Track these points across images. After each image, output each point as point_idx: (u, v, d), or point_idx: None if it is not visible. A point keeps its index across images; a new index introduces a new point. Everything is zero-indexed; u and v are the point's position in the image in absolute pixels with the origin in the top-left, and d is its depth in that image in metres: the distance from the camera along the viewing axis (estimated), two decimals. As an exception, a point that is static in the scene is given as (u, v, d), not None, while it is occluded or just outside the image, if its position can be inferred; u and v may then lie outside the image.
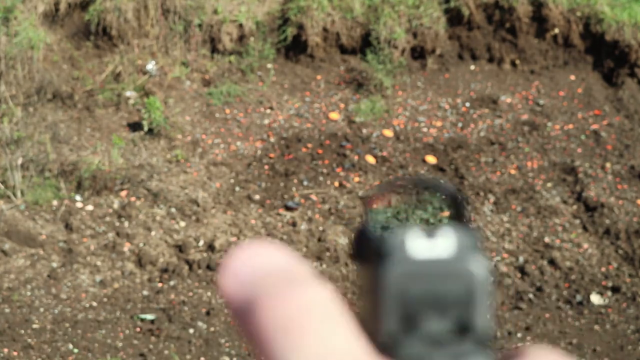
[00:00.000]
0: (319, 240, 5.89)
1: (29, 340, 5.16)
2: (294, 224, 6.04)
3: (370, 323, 0.34)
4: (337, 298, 0.35)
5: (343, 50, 7.43)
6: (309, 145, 6.72)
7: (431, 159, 6.60)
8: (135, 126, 6.82)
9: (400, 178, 0.38)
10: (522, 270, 5.82)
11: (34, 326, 5.28)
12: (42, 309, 5.44)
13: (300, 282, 0.34)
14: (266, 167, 6.54)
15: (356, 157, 6.58)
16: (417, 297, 0.34)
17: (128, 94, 7.04)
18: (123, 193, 6.28)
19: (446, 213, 0.37)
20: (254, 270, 0.34)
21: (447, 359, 0.33)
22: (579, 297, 5.62)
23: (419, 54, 7.42)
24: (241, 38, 7.42)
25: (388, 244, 0.35)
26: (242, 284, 0.34)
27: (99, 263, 5.79)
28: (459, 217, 0.37)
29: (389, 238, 0.35)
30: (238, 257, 0.35)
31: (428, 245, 0.35)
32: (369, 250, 0.35)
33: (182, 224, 6.07)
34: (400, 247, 0.35)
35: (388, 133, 6.83)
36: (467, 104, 7.13)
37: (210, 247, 5.83)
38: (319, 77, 7.36)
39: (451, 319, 0.34)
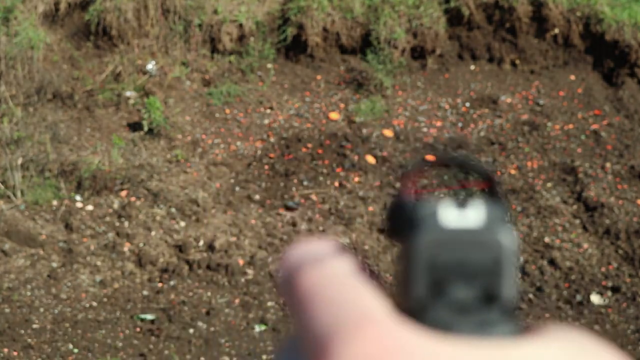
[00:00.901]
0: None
1: (29, 340, 5.16)
2: (294, 224, 6.04)
3: (401, 290, 0.36)
4: (359, 269, 0.37)
5: (343, 50, 7.43)
6: (309, 145, 6.72)
7: (431, 159, 6.60)
8: (135, 126, 6.83)
9: (436, 156, 0.39)
10: (522, 270, 5.82)
11: (34, 326, 5.29)
12: (42, 309, 5.44)
13: (327, 259, 0.37)
14: (266, 167, 6.54)
15: (356, 157, 6.58)
16: (446, 264, 0.35)
17: (128, 94, 7.04)
18: (123, 193, 6.28)
19: (479, 188, 0.38)
20: (299, 254, 0.38)
21: (473, 326, 0.34)
22: (579, 297, 5.62)
23: (419, 54, 7.42)
24: (241, 38, 7.42)
25: (420, 214, 0.36)
26: (288, 265, 0.38)
27: (99, 263, 5.79)
28: (491, 192, 0.38)
29: (422, 208, 0.36)
30: (293, 247, 0.38)
31: (459, 215, 0.36)
32: (402, 221, 0.37)
33: (182, 224, 6.07)
34: (432, 216, 0.36)
35: (388, 133, 6.83)
36: (467, 104, 7.13)
37: (210, 247, 5.83)
38: (319, 77, 7.36)
39: (478, 288, 0.35)
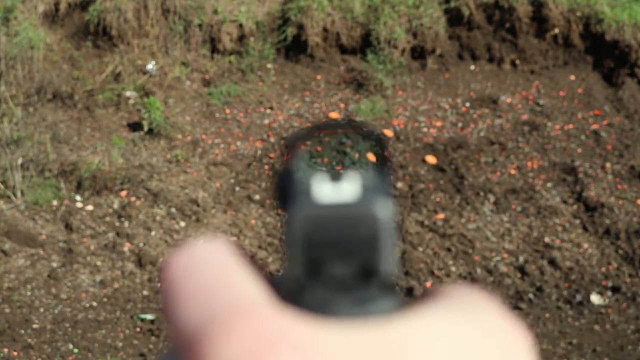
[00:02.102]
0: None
1: (29, 340, 5.16)
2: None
3: (284, 270, 0.34)
4: (234, 251, 0.34)
5: (343, 50, 7.43)
6: (309, 145, 6.71)
7: (431, 159, 6.60)
8: (135, 126, 6.83)
9: (324, 122, 0.37)
10: (522, 270, 5.82)
11: (34, 326, 5.29)
12: (42, 309, 5.44)
13: (196, 244, 0.34)
14: (266, 167, 6.54)
15: (356, 157, 6.58)
16: (321, 241, 0.33)
17: (128, 94, 7.04)
18: (123, 193, 6.28)
19: (366, 155, 0.37)
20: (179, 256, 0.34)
21: (351, 304, 0.32)
22: (579, 297, 5.62)
23: (419, 54, 7.42)
24: (241, 38, 7.42)
25: (294, 188, 0.34)
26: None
27: (99, 263, 5.79)
28: (380, 159, 0.36)
29: (296, 182, 0.34)
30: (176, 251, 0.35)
31: (333, 188, 0.34)
32: (283, 192, 0.35)
33: (182, 224, 6.07)
34: (306, 191, 0.34)
35: (388, 133, 6.83)
36: (467, 104, 7.13)
37: (210, 247, 5.83)
38: (319, 77, 7.36)
39: (355, 264, 0.33)
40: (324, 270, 0.33)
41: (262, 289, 0.32)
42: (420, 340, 0.30)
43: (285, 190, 0.35)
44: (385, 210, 0.34)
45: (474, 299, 0.33)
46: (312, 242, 0.33)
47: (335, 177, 0.34)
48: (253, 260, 0.35)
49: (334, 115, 7.01)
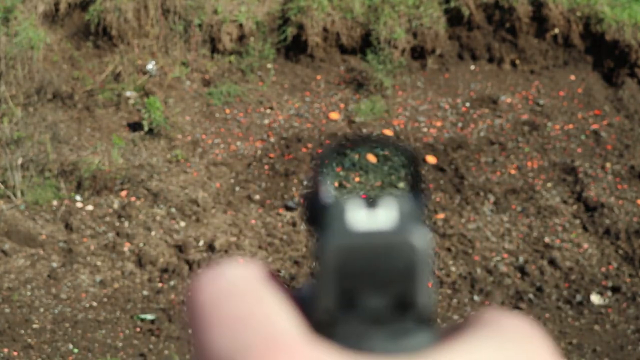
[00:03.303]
0: (319, 240, 5.88)
1: (29, 340, 5.16)
2: (294, 224, 6.04)
3: (315, 300, 0.32)
4: (265, 277, 0.33)
5: (343, 50, 7.43)
6: (309, 145, 6.72)
7: (431, 159, 6.60)
8: (135, 126, 6.83)
9: (354, 137, 0.35)
10: (522, 270, 5.82)
11: (34, 326, 5.29)
12: (42, 309, 5.44)
13: (227, 268, 0.32)
14: (266, 167, 6.54)
15: (356, 157, 6.58)
16: (355, 272, 0.32)
17: (128, 94, 7.04)
18: (123, 193, 6.28)
19: (399, 178, 0.35)
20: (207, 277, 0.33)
21: (386, 338, 0.31)
22: (579, 297, 5.62)
23: (419, 54, 7.42)
24: (241, 38, 7.42)
25: (328, 215, 0.33)
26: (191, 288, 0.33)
27: (99, 263, 5.79)
28: (412, 181, 0.34)
29: (330, 208, 0.33)
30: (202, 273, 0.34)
31: (368, 215, 0.32)
32: (316, 218, 0.33)
33: (182, 224, 6.07)
34: (340, 217, 0.32)
35: (388, 133, 6.83)
36: (467, 104, 7.13)
37: (211, 247, 5.83)
38: (319, 77, 7.36)
39: (391, 295, 0.32)
40: (358, 302, 0.32)
41: (295, 321, 0.31)
42: None
43: (317, 214, 0.33)
44: (422, 239, 0.33)
45: (514, 328, 0.32)
46: (346, 272, 0.32)
47: (371, 203, 0.33)
48: (283, 284, 0.33)
49: (334, 115, 7.01)
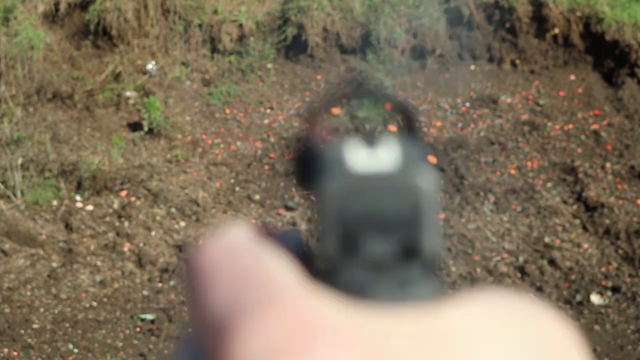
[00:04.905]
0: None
1: (29, 340, 5.16)
2: (294, 224, 6.04)
3: (315, 249, 0.31)
4: (264, 233, 0.32)
5: (343, 50, 7.43)
6: (309, 145, 6.72)
7: (431, 159, 6.60)
8: (135, 126, 6.83)
9: (344, 87, 0.33)
10: (522, 270, 5.82)
11: (34, 326, 5.29)
12: (42, 309, 5.44)
13: (225, 229, 0.32)
14: (266, 167, 6.54)
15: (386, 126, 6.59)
16: (358, 215, 0.30)
17: (128, 94, 7.04)
18: (123, 193, 6.28)
19: (393, 124, 0.33)
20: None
21: (391, 286, 0.29)
22: (579, 297, 5.62)
23: (419, 54, 7.42)
24: (241, 38, 7.42)
25: (325, 158, 0.31)
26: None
27: (99, 263, 5.79)
28: (408, 128, 0.33)
29: (326, 151, 0.31)
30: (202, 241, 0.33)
31: (369, 157, 0.31)
32: (308, 168, 0.32)
33: (182, 224, 6.07)
34: (339, 160, 0.31)
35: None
36: (467, 104, 7.13)
37: (210, 247, 5.83)
38: (319, 77, 7.36)
39: (395, 240, 0.30)
40: (361, 248, 0.30)
41: (295, 272, 0.29)
42: (472, 329, 0.28)
43: (313, 161, 0.31)
44: (428, 180, 0.31)
45: (519, 297, 0.31)
46: (348, 216, 0.30)
47: (372, 143, 0.31)
48: (284, 238, 0.32)
49: (336, 111, 7.01)
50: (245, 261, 0.30)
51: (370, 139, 0.31)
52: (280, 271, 0.29)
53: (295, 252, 0.31)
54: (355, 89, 0.33)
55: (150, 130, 6.70)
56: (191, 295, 0.31)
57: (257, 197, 6.28)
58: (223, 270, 0.30)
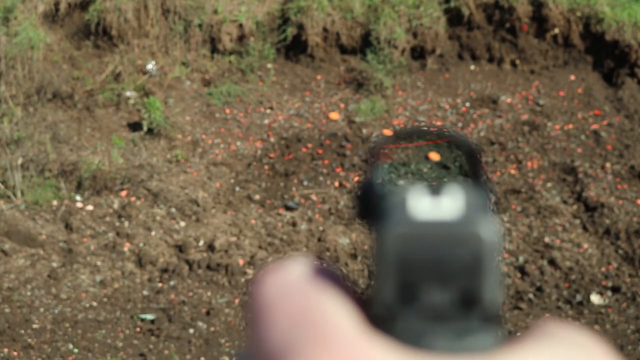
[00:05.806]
0: (319, 240, 5.89)
1: (29, 340, 5.16)
2: (294, 224, 6.04)
3: (373, 293, 0.30)
4: (324, 272, 0.32)
5: (343, 50, 7.43)
6: (309, 145, 6.72)
7: (434, 156, 6.60)
8: (135, 126, 6.83)
9: (413, 127, 0.33)
10: (522, 270, 5.82)
11: (34, 326, 5.29)
12: (42, 309, 5.44)
13: (287, 265, 0.32)
14: (266, 167, 6.54)
15: (356, 157, 6.58)
16: (418, 263, 0.30)
17: (128, 94, 7.04)
18: (123, 193, 6.28)
19: (458, 168, 0.33)
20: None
21: (449, 336, 0.29)
22: (579, 297, 5.62)
23: (419, 54, 7.42)
24: (241, 38, 7.42)
25: (388, 203, 0.31)
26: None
27: (99, 263, 5.79)
28: (473, 173, 0.33)
29: (390, 196, 0.31)
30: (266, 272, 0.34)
31: (432, 204, 0.30)
32: (371, 209, 0.31)
33: (182, 224, 6.07)
34: (401, 206, 0.30)
35: (388, 133, 6.83)
36: (467, 104, 7.13)
37: (210, 247, 5.83)
38: (319, 77, 7.36)
39: (455, 290, 0.29)
40: (419, 296, 0.29)
41: (352, 317, 0.29)
42: None
43: (374, 203, 0.31)
44: (490, 230, 0.31)
45: (578, 339, 0.30)
46: (408, 264, 0.29)
47: (435, 190, 0.31)
48: (342, 279, 0.32)
49: (334, 115, 7.01)
50: (305, 299, 0.30)
51: (434, 186, 0.31)
52: (338, 314, 0.29)
53: (359, 299, 0.31)
54: (420, 130, 0.33)
55: (150, 130, 6.70)
56: (250, 327, 0.31)
57: (257, 197, 6.28)
58: (283, 307, 0.30)
